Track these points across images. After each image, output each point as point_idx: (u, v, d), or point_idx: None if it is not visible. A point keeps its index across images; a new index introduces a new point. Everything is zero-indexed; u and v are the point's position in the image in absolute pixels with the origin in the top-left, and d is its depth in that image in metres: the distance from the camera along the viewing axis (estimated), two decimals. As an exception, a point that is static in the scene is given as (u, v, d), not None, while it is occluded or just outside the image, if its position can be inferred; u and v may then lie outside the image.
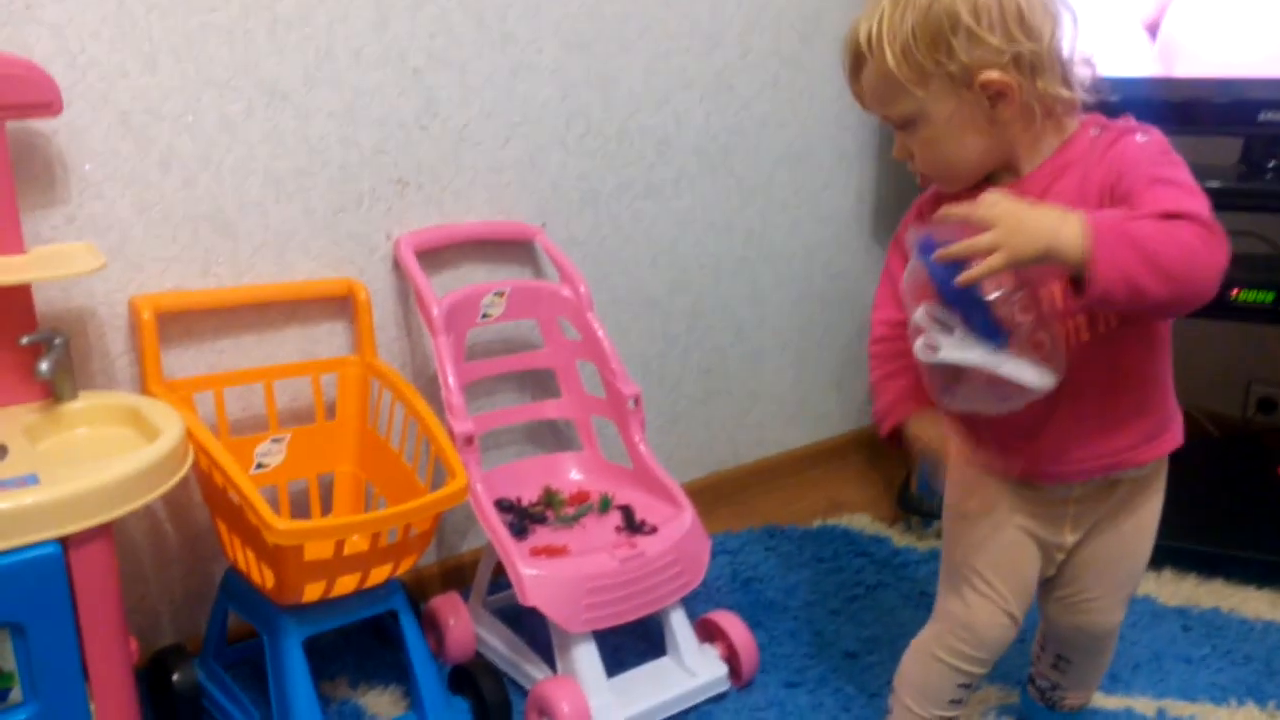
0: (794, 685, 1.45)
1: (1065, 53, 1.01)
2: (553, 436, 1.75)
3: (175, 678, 1.33)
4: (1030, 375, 0.93)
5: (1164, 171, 0.96)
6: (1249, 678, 1.45)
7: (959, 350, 0.92)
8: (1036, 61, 0.98)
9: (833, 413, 2.19)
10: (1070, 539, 1.15)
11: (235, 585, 1.32)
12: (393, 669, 1.45)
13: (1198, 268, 0.91)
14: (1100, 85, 1.04)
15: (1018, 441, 1.09)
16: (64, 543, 1.00)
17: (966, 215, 0.92)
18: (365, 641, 1.48)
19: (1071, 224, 0.90)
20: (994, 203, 0.92)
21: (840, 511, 1.96)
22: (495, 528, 1.35)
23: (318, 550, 1.17)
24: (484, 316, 1.54)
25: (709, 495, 1.91)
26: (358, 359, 1.47)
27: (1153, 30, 1.72)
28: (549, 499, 1.52)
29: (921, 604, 1.65)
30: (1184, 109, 1.69)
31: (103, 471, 1.03)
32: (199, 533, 1.45)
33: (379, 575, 1.25)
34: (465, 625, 1.43)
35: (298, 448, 1.43)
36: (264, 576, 1.22)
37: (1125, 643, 1.53)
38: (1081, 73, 1.02)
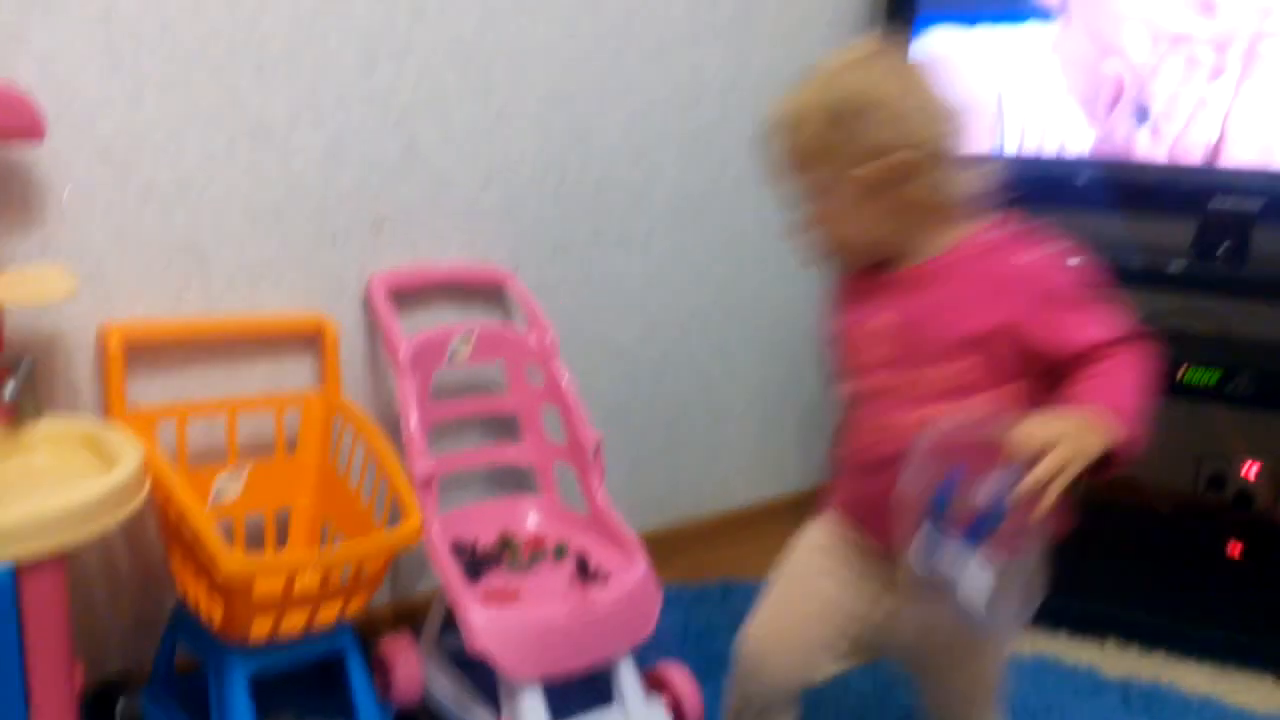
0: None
1: (964, 151, 1.06)
2: (513, 480, 1.76)
3: (120, 706, 1.33)
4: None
5: (1073, 289, 1.03)
6: (1184, 753, 1.48)
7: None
8: (932, 157, 1.04)
9: (795, 468, 2.22)
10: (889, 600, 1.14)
11: (184, 618, 1.32)
12: (338, 708, 1.44)
13: (1149, 377, 0.99)
14: (999, 186, 1.08)
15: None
16: (15, 566, 1.00)
17: (1027, 439, 0.92)
18: (311, 679, 1.47)
19: (1093, 420, 0.93)
20: (1035, 427, 0.93)
21: (795, 567, 1.97)
22: (447, 570, 1.36)
23: (268, 586, 1.18)
24: (451, 359, 1.56)
25: (667, 545, 1.92)
26: (322, 395, 1.49)
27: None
28: (505, 544, 1.53)
29: (873, 663, 1.67)
30: (1141, 192, 1.75)
31: (58, 497, 1.04)
32: (153, 562, 1.44)
33: (328, 615, 1.25)
34: (413, 668, 1.43)
35: (256, 481, 1.44)
36: (213, 611, 1.22)
37: (1066, 712, 1.56)
38: (980, 173, 1.07)
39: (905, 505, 0.94)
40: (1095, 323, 1.01)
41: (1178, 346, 1.85)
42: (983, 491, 0.92)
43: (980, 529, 0.93)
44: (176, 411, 1.38)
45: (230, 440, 1.42)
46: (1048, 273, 1.05)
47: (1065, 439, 0.92)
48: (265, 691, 1.26)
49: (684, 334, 1.95)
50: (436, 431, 1.58)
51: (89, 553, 1.39)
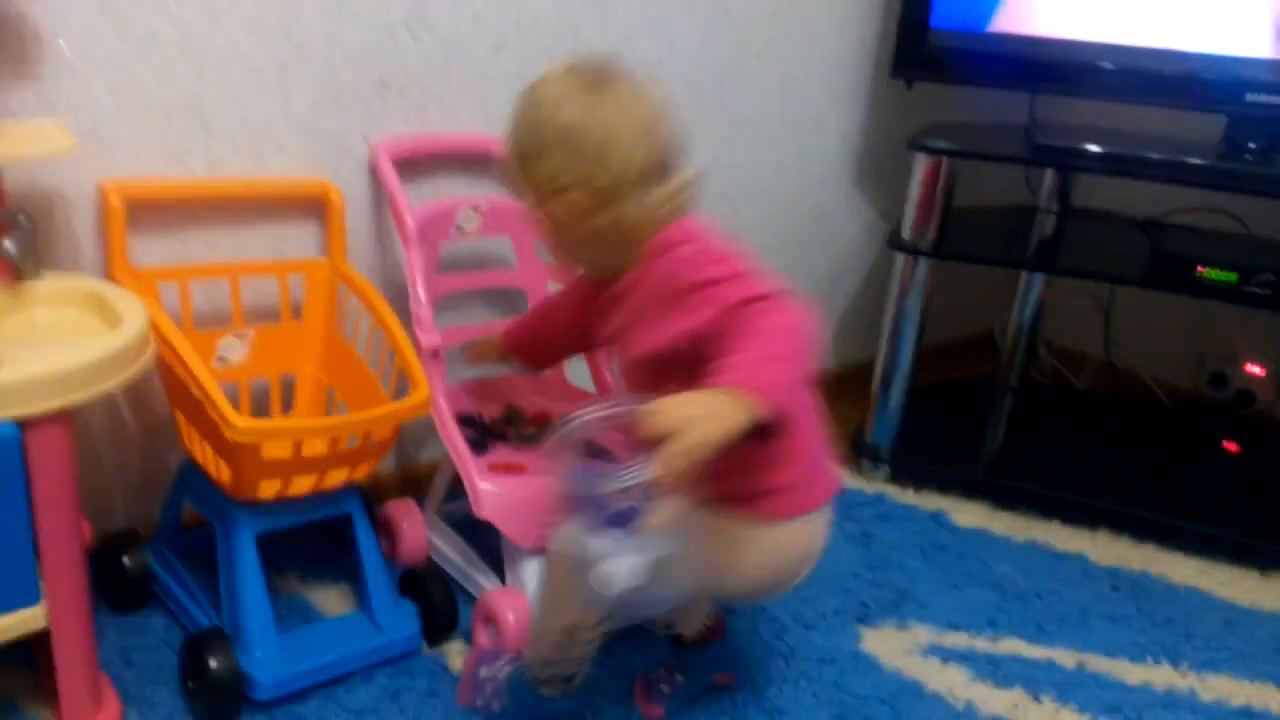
0: (730, 612, 1.49)
1: (657, 169, 1.08)
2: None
3: (126, 561, 1.35)
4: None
5: (713, 271, 1.05)
6: (1168, 639, 1.51)
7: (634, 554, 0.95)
8: (615, 189, 1.07)
9: (797, 353, 2.21)
10: None
11: (191, 476, 1.34)
12: (343, 568, 1.47)
13: (804, 339, 1.02)
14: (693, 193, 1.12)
15: None
16: (21, 424, 1.00)
17: (655, 426, 0.93)
18: (317, 539, 1.50)
19: (726, 400, 0.93)
20: (663, 412, 0.93)
21: (795, 450, 1.99)
22: (455, 441, 1.36)
23: (275, 450, 1.18)
24: (458, 230, 1.53)
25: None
26: (327, 262, 1.47)
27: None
28: (511, 417, 1.53)
29: (862, 543, 1.70)
30: (1172, 82, 1.69)
31: (64, 356, 1.03)
32: (157, 421, 1.45)
33: (336, 479, 1.26)
34: (419, 530, 1.46)
35: (261, 346, 1.43)
36: (220, 471, 1.23)
37: (1055, 596, 1.60)
38: (674, 184, 1.09)
39: (552, 494, 0.99)
40: (746, 285, 1.03)
41: (1197, 243, 1.83)
42: (618, 479, 0.94)
43: (621, 515, 0.95)
44: (179, 274, 1.36)
45: (234, 305, 1.40)
46: (686, 268, 1.06)
47: (691, 425, 0.91)
48: (271, 549, 1.28)
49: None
50: (442, 304, 1.57)
51: (94, 412, 1.39)
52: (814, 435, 1.15)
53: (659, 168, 1.09)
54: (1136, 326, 2.29)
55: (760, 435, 0.97)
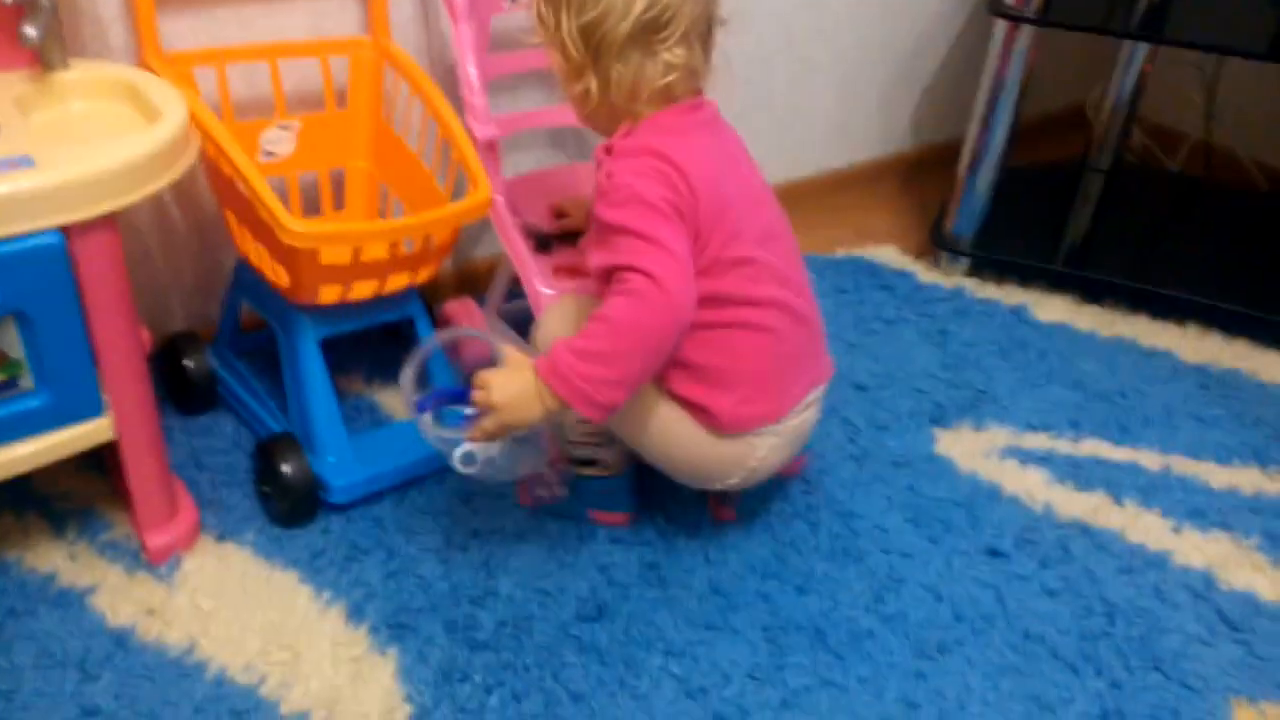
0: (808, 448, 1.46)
1: (651, 30, 1.01)
2: (576, 144, 1.65)
3: (188, 363, 1.33)
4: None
5: (610, 217, 1.01)
6: (1256, 441, 1.46)
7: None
8: (602, 39, 1.01)
9: (874, 134, 2.07)
10: None
11: (247, 278, 1.29)
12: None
13: (640, 337, 0.98)
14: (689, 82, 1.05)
15: None
16: (65, 231, 0.95)
17: (479, 403, 1.02)
18: (378, 338, 1.46)
19: (542, 390, 1.00)
20: (491, 389, 1.01)
21: (868, 241, 1.90)
22: (515, 244, 1.29)
23: (334, 255, 1.12)
24: (512, 1, 1.39)
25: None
26: (371, 41, 1.35)
27: None
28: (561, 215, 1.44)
29: (939, 342, 1.63)
30: None
31: (104, 156, 0.95)
32: (206, 218, 1.39)
33: (396, 283, 1.21)
34: (482, 329, 1.41)
35: (307, 137, 1.34)
36: (278, 274, 1.17)
37: (1140, 395, 1.53)
38: (664, 63, 1.02)
39: (407, 389, 1.07)
40: (606, 250, 1.01)
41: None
42: (448, 427, 1.06)
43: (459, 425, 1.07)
44: (214, 57, 1.26)
45: (276, 91, 1.30)
46: (604, 190, 1.03)
47: (501, 408, 1.01)
48: (334, 350, 1.25)
49: (767, -21, 1.74)
50: (495, 88, 1.46)
51: (140, 211, 1.33)
52: (757, 365, 1.09)
53: (653, 28, 1.00)
54: (1241, 102, 2.10)
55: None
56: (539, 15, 1.05)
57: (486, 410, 1.02)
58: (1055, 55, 1.96)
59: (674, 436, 1.11)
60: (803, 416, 1.15)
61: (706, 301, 1.03)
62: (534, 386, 1.00)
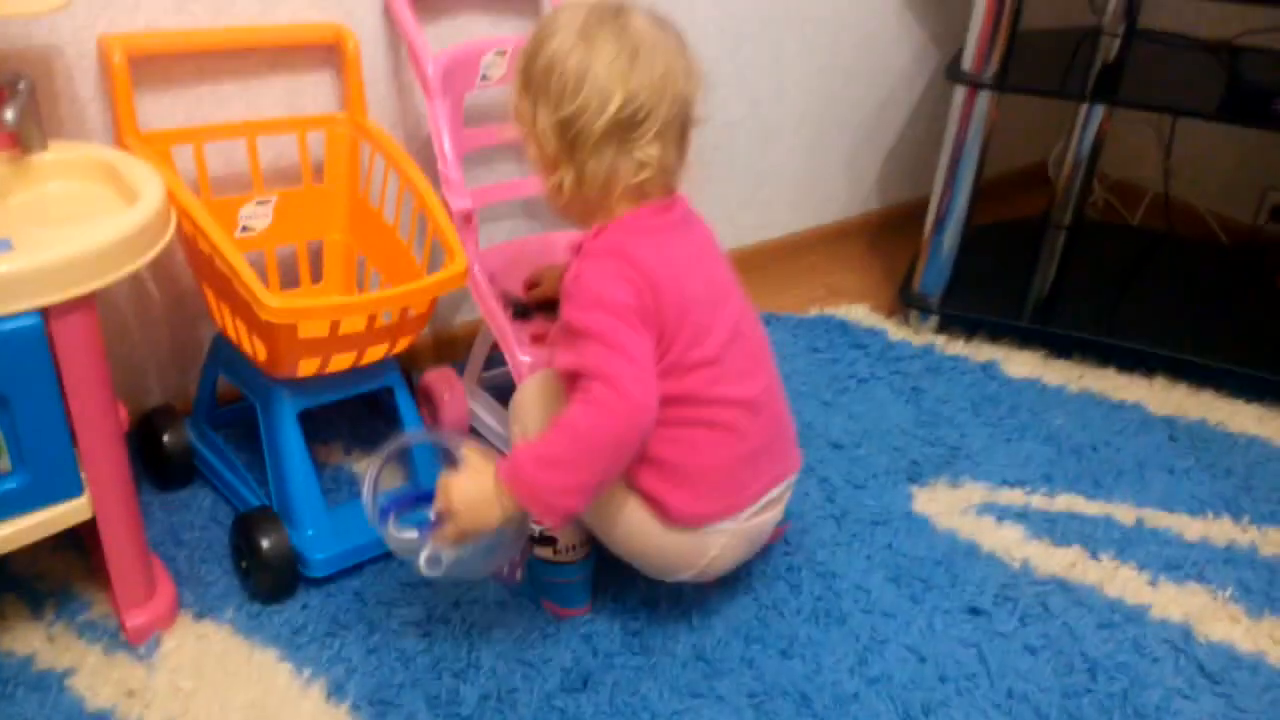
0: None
1: (626, 127, 1.01)
2: (550, 214, 1.66)
3: (166, 439, 1.32)
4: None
5: (574, 319, 1.02)
6: (1227, 491, 1.48)
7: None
8: (577, 133, 1.01)
9: (841, 195, 2.11)
10: None
11: (225, 352, 1.29)
12: (386, 438, 1.44)
13: (599, 445, 1.00)
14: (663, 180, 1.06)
15: None
16: (44, 313, 0.95)
17: (438, 508, 1.04)
18: (357, 408, 1.47)
19: (501, 494, 1.01)
20: (450, 494, 1.02)
21: (839, 300, 1.93)
22: (493, 312, 1.30)
23: (312, 329, 1.13)
24: (483, 79, 1.42)
25: (707, 275, 1.86)
26: (346, 117, 1.37)
27: None
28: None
29: (912, 399, 1.65)
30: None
31: (82, 239, 0.96)
32: (183, 293, 1.39)
33: (374, 354, 1.21)
34: (459, 401, 1.42)
35: (285, 212, 1.35)
36: (256, 349, 1.18)
37: (1111, 449, 1.56)
38: (637, 161, 1.03)
39: (368, 500, 1.07)
40: (571, 352, 1.02)
41: (1273, 70, 1.71)
42: (410, 534, 1.07)
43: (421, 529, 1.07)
44: (192, 136, 1.27)
45: (253, 167, 1.32)
46: (569, 291, 1.04)
47: (461, 512, 1.01)
48: (311, 420, 1.25)
49: (735, 48, 1.78)
50: (470, 161, 1.48)
51: (118, 288, 1.33)
52: (715, 462, 1.10)
53: (628, 126, 1.01)
54: (1197, 158, 2.17)
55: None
56: (516, 108, 1.07)
57: (446, 515, 1.03)
58: (1016, 115, 2.01)
59: (631, 525, 1.11)
60: (760, 518, 1.15)
61: (669, 401, 1.04)
62: (493, 490, 1.01)
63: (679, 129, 1.06)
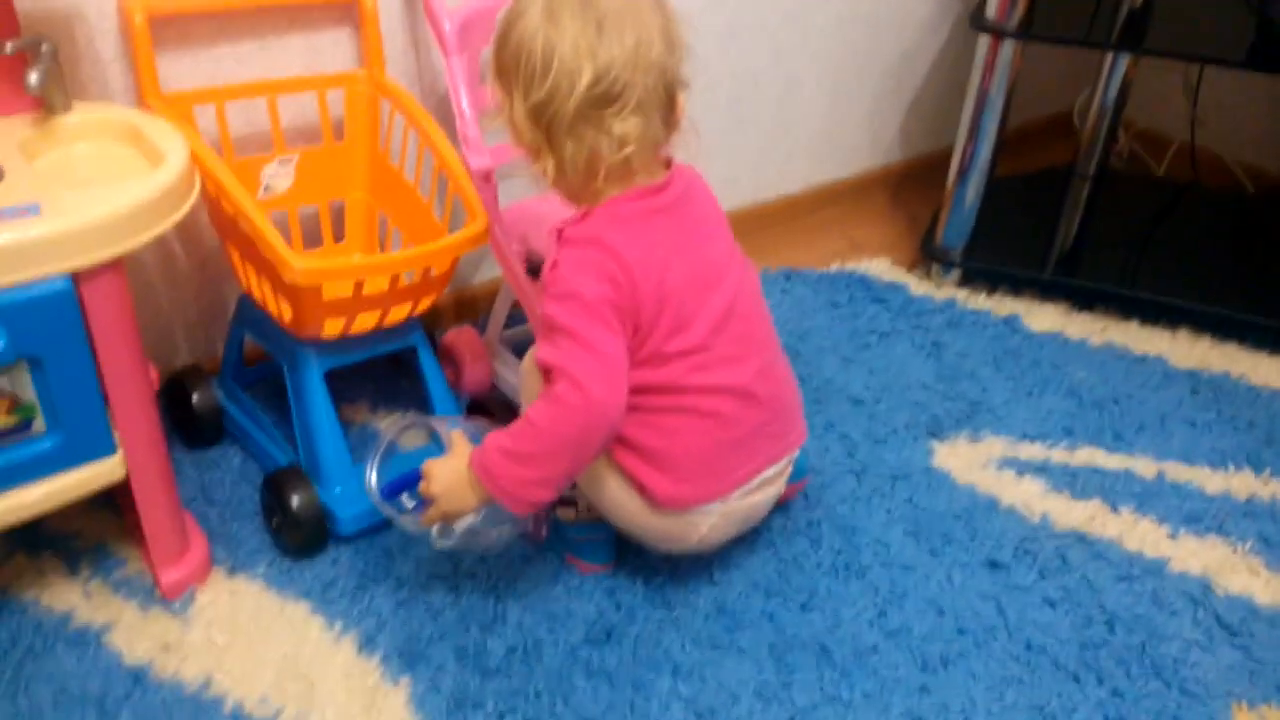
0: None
1: (597, 104, 0.99)
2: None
3: (195, 398, 1.34)
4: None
5: (549, 310, 1.03)
6: (1249, 444, 1.48)
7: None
8: (547, 110, 1.00)
9: (864, 146, 2.09)
10: None
11: (251, 313, 1.30)
12: (411, 397, 1.46)
13: (561, 442, 1.01)
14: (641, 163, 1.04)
15: None
16: (73, 277, 0.96)
17: (421, 492, 1.08)
18: (381, 366, 1.48)
19: (474, 480, 1.04)
20: (431, 479, 1.07)
21: (860, 254, 1.92)
22: (515, 272, 1.31)
23: (336, 290, 1.14)
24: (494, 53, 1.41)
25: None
26: (365, 75, 1.37)
27: None
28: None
29: (933, 354, 1.65)
30: None
31: (109, 202, 0.97)
32: (208, 253, 1.40)
33: (398, 314, 1.22)
34: (482, 360, 1.43)
35: (306, 171, 1.36)
36: (282, 310, 1.19)
37: (1133, 402, 1.56)
38: (618, 137, 1.00)
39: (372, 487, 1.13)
40: (546, 345, 1.03)
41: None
42: (402, 511, 1.13)
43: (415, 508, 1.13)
44: (213, 96, 1.28)
45: (274, 127, 1.32)
46: (546, 280, 1.05)
47: (440, 497, 1.06)
48: (337, 379, 1.26)
49: (753, -2, 1.76)
50: (486, 114, 1.47)
51: (143, 249, 1.34)
52: (696, 448, 1.09)
53: (603, 102, 0.99)
54: (1225, 105, 2.13)
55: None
56: (495, 97, 1.06)
57: (429, 498, 1.07)
58: (1040, 64, 1.98)
59: (619, 504, 1.12)
60: (754, 497, 1.15)
61: (649, 389, 1.05)
62: (468, 476, 1.04)
63: (661, 98, 1.02)
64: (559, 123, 1.00)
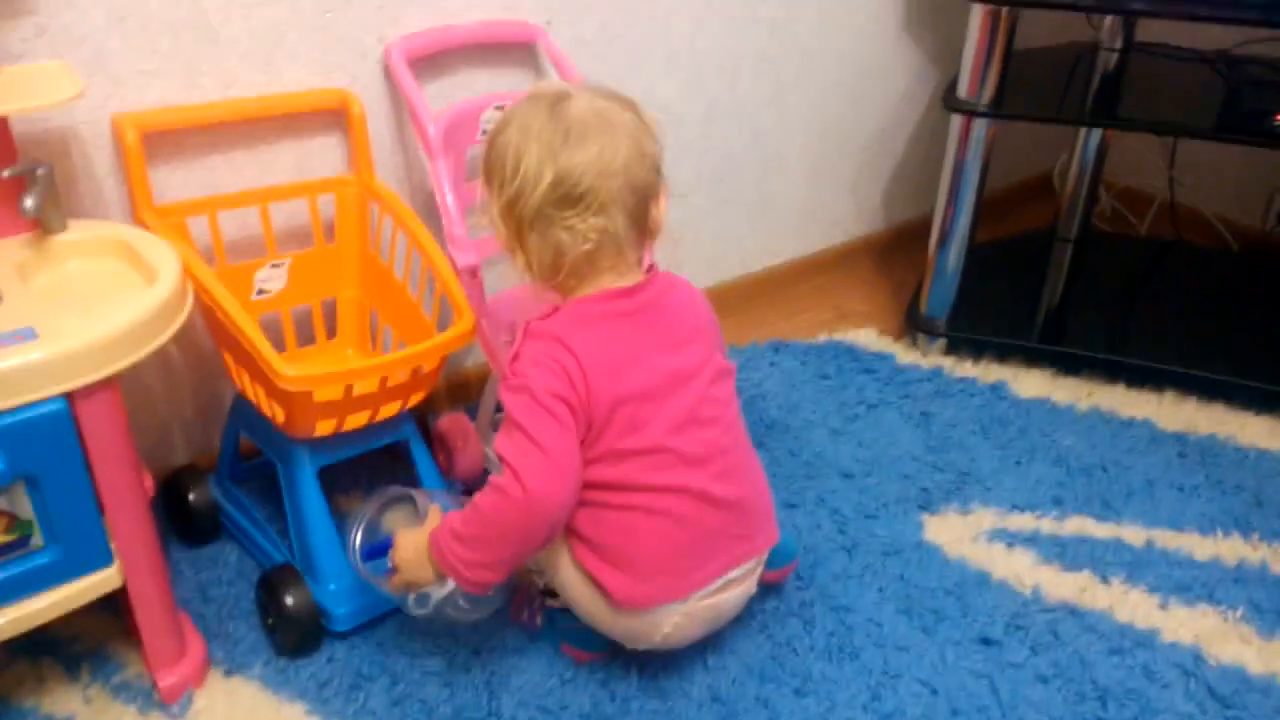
0: (793, 506, 1.49)
1: (564, 202, 1.05)
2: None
3: (191, 497, 1.37)
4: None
5: (505, 401, 1.07)
6: (1238, 508, 1.49)
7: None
8: (521, 215, 1.07)
9: (846, 217, 2.13)
10: None
11: (245, 411, 1.33)
12: (404, 485, 1.47)
13: (502, 530, 1.05)
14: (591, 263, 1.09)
15: None
16: (69, 396, 0.99)
17: (390, 559, 1.14)
18: (376, 458, 1.50)
19: (424, 560, 1.10)
20: (398, 548, 1.13)
21: (847, 324, 1.95)
22: (502, 363, 1.33)
23: (327, 393, 1.17)
24: (483, 134, 1.45)
25: (714, 307, 1.88)
26: (355, 179, 1.41)
27: None
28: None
29: (921, 424, 1.67)
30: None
31: (103, 324, 1.00)
32: (203, 353, 1.43)
33: (389, 411, 1.25)
34: (474, 447, 1.45)
35: (299, 271, 1.39)
36: (275, 412, 1.22)
37: (1121, 468, 1.57)
38: (579, 234, 1.06)
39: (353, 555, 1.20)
40: (501, 435, 1.07)
41: (1272, 83, 1.72)
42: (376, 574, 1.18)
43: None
44: (206, 206, 1.31)
45: (266, 232, 1.36)
46: (505, 372, 1.10)
47: (402, 567, 1.12)
48: (330, 471, 1.28)
49: (733, 82, 1.80)
50: (473, 213, 1.51)
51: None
52: (653, 549, 1.11)
53: (566, 203, 1.05)
54: (1203, 163, 2.17)
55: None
56: (482, 196, 1.13)
57: (395, 566, 1.13)
58: (1017, 129, 2.02)
59: (581, 601, 1.15)
60: (716, 598, 1.15)
61: (604, 486, 1.08)
62: (421, 554, 1.10)
63: (628, 202, 1.07)
64: (525, 219, 1.07)
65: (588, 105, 1.08)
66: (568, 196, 1.05)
